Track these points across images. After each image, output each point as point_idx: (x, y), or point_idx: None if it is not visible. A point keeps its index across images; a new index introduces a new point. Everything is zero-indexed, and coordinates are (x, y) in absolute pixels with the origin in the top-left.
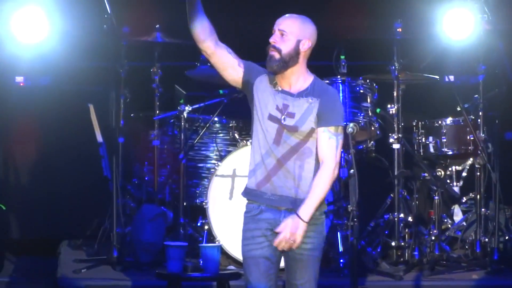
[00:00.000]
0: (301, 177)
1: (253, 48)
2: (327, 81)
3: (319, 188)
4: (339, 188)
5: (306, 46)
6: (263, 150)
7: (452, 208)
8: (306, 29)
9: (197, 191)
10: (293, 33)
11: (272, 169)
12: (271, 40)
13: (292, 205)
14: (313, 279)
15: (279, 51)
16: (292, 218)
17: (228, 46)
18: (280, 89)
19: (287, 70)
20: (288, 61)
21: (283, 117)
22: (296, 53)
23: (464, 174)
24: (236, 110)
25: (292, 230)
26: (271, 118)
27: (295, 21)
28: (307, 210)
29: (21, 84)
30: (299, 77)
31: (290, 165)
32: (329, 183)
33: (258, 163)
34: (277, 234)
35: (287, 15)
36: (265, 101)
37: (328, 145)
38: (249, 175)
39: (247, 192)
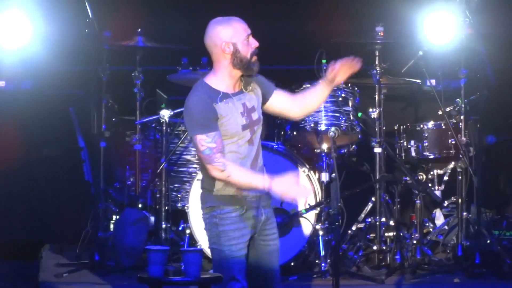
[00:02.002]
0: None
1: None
2: (309, 85)
3: None
4: (320, 192)
5: None
6: (238, 161)
7: (433, 212)
8: None
9: (179, 195)
10: None
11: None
12: (257, 44)
13: (266, 202)
14: (278, 268)
15: None
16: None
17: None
18: (228, 93)
19: None
20: None
21: (248, 116)
22: None
23: (445, 178)
24: None
25: None
26: (244, 127)
27: None
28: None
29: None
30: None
31: (259, 159)
32: None
33: None
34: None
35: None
36: (232, 121)
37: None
38: (223, 187)
39: (226, 199)
